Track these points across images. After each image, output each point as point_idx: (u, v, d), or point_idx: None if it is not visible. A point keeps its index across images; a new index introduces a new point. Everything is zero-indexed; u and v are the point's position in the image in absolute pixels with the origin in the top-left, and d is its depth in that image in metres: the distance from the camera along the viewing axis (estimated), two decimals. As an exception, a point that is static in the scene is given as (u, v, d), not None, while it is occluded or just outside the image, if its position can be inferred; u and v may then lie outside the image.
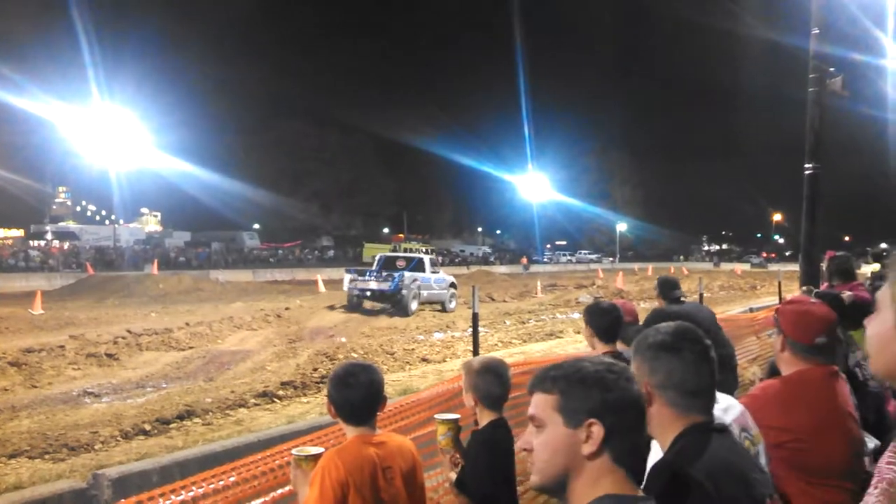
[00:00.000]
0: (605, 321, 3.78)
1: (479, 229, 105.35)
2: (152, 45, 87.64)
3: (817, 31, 10.17)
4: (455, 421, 2.74)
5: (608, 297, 24.42)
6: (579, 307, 21.82)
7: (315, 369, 10.79)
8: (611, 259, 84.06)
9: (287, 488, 2.84)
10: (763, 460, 2.11)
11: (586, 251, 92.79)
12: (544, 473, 1.43)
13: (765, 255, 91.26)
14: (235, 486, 2.85)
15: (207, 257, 57.82)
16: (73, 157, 63.75)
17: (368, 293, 21.71)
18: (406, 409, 4.04)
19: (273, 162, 76.35)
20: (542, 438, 1.44)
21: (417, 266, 23.20)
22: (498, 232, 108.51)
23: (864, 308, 4.69)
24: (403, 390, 8.72)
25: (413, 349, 13.42)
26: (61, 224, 74.73)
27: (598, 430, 1.39)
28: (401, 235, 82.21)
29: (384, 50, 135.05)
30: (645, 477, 1.72)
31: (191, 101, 74.62)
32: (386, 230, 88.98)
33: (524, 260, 71.22)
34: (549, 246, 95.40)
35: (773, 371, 2.89)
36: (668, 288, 5.45)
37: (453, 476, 2.67)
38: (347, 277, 22.62)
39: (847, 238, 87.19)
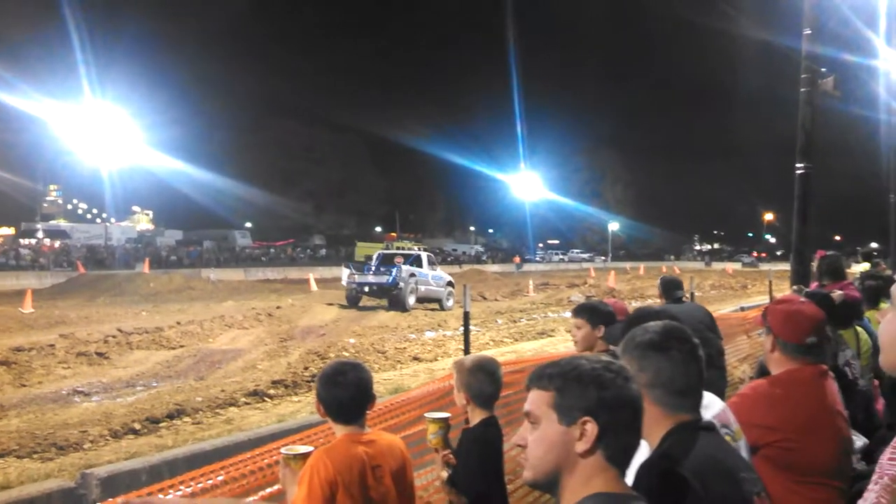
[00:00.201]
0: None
1: (472, 228, 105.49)
2: (144, 43, 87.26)
3: (809, 32, 10.20)
4: (445, 419, 2.74)
5: (600, 295, 24.50)
6: (571, 306, 21.85)
7: (306, 368, 10.77)
8: (603, 258, 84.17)
9: (276, 487, 2.83)
10: (745, 456, 2.12)
11: (578, 250, 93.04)
12: (537, 469, 1.44)
13: (756, 254, 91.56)
14: (224, 485, 2.84)
15: (199, 256, 57.68)
16: (65, 155, 63.80)
17: (366, 287, 21.76)
18: (397, 408, 4.03)
19: (265, 161, 76.44)
20: (537, 435, 1.44)
21: (415, 262, 23.23)
22: (490, 231, 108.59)
23: (853, 307, 4.73)
24: (394, 389, 8.72)
25: (405, 348, 13.42)
26: (52, 222, 74.17)
27: (591, 428, 1.39)
28: (393, 234, 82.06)
29: (376, 50, 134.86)
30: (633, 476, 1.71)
31: (183, 99, 74.37)
32: (378, 229, 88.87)
33: (517, 259, 71.19)
34: (541, 245, 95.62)
35: (762, 371, 2.89)
36: (670, 288, 5.56)
37: (445, 475, 2.66)
38: (346, 272, 22.67)
39: (838, 238, 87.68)
